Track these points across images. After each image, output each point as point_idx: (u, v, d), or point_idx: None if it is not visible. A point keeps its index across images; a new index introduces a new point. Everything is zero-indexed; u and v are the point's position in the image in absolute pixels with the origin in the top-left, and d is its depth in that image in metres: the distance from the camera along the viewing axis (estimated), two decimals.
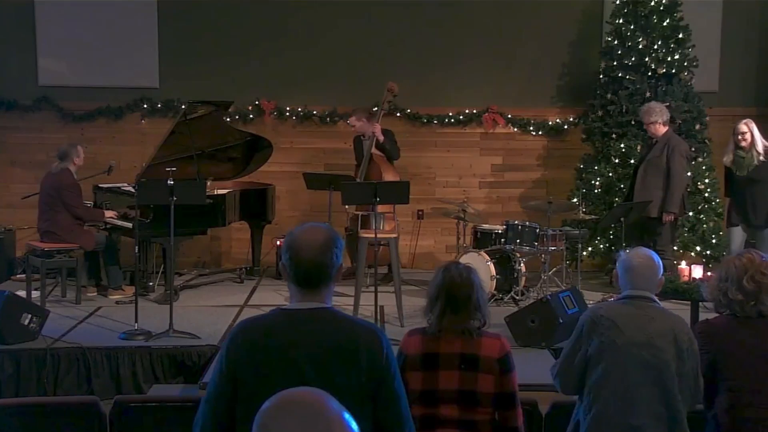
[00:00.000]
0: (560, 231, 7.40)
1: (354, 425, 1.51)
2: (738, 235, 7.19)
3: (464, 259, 6.88)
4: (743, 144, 6.75)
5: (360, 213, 7.36)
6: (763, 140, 6.79)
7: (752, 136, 6.72)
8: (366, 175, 7.70)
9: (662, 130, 7.24)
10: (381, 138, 7.76)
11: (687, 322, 3.52)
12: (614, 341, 3.28)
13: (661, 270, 3.45)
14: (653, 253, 3.48)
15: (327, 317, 2.40)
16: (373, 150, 7.79)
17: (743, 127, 6.76)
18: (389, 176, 7.66)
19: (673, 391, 3.25)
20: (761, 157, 6.72)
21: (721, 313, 3.47)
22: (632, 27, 8.22)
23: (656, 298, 3.41)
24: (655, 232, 7.29)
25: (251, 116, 8.98)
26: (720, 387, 3.34)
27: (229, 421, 2.33)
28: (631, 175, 7.53)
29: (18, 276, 7.97)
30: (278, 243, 8.44)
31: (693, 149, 8.24)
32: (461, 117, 9.02)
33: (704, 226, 8.13)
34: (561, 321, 5.81)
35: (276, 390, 1.71)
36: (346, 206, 7.40)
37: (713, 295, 3.43)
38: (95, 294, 7.34)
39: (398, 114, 8.98)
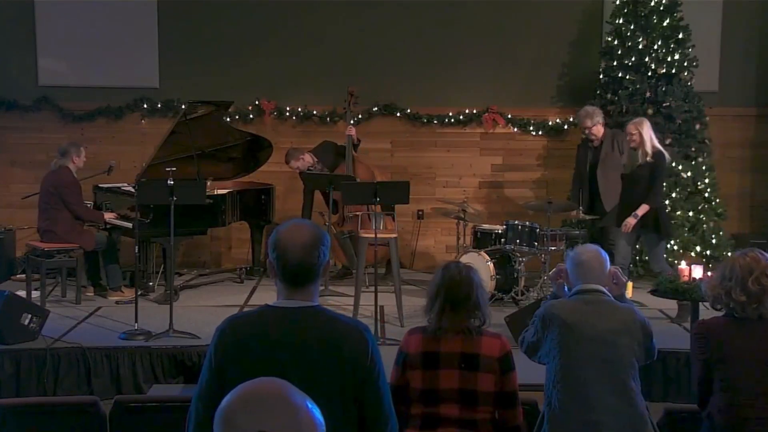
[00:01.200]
0: (560, 231, 7.40)
1: (318, 413, 1.49)
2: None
3: (464, 259, 6.88)
4: (633, 145, 6.70)
5: (356, 213, 7.39)
6: (656, 143, 6.66)
7: (641, 136, 6.63)
8: (355, 176, 7.73)
9: (602, 129, 7.39)
10: (356, 139, 7.93)
11: (688, 318, 3.54)
12: (567, 338, 3.33)
13: (609, 263, 3.53)
14: (599, 247, 3.57)
15: (312, 315, 2.40)
16: (353, 152, 7.91)
17: (631, 128, 6.69)
18: (378, 174, 7.76)
19: (629, 384, 3.29)
20: (648, 158, 6.62)
21: (717, 311, 3.46)
22: (632, 27, 8.23)
23: (607, 291, 3.45)
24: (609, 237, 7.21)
25: (251, 116, 8.98)
26: (715, 387, 3.34)
27: None
28: (585, 181, 7.50)
29: (18, 276, 7.97)
30: None
31: (693, 149, 8.27)
32: (461, 117, 9.02)
33: (704, 226, 8.13)
34: None
35: None
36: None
37: (714, 292, 3.42)
38: (93, 294, 7.33)
39: (398, 114, 8.98)
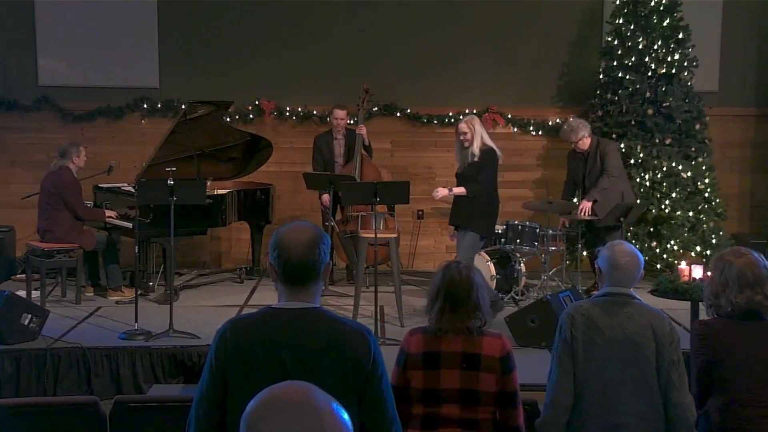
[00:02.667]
0: (560, 231, 7.40)
1: (344, 414, 1.48)
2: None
3: None
4: (466, 144, 6.48)
5: (359, 213, 7.39)
6: (486, 141, 6.49)
7: (472, 135, 6.44)
8: (362, 175, 7.73)
9: (588, 141, 7.36)
10: (367, 140, 7.89)
11: (688, 318, 3.49)
12: (594, 340, 3.27)
13: (643, 264, 3.44)
14: (635, 249, 3.47)
15: (314, 317, 2.39)
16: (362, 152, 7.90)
17: (463, 127, 6.47)
18: (385, 175, 7.76)
19: (655, 388, 3.25)
20: (476, 158, 6.46)
21: (719, 315, 3.42)
22: (632, 27, 8.23)
23: (635, 293, 3.41)
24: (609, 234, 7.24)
25: (251, 116, 8.98)
26: (715, 387, 3.33)
27: (222, 420, 2.34)
28: (578, 190, 7.54)
29: (18, 276, 7.97)
30: None
31: (693, 149, 8.27)
32: (461, 117, 9.00)
33: (704, 226, 8.14)
34: None
35: (262, 389, 1.69)
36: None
37: (739, 299, 3.31)
38: (93, 294, 7.34)
39: (398, 114, 8.98)
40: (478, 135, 6.45)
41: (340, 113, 7.96)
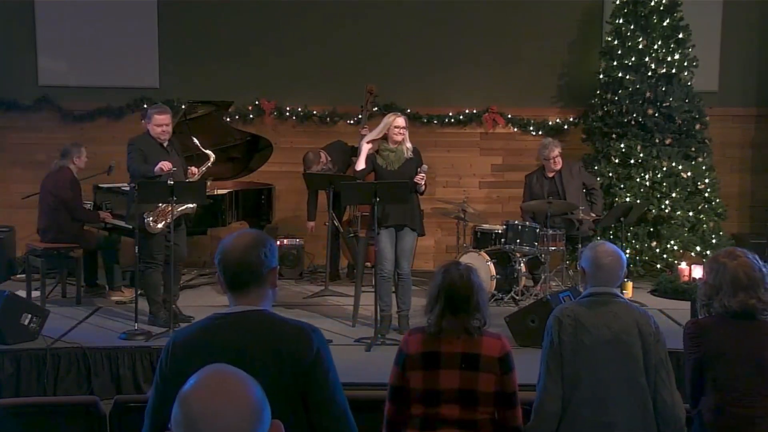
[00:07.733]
0: (560, 231, 7.40)
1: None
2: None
3: (464, 259, 6.88)
4: (400, 138, 6.20)
5: (361, 213, 7.39)
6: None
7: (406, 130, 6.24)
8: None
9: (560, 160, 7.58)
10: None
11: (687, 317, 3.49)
12: (582, 340, 3.27)
13: (626, 263, 3.46)
14: (617, 248, 3.47)
15: (256, 319, 2.38)
16: None
17: (402, 121, 6.20)
18: None
19: (644, 386, 3.26)
20: (411, 154, 6.27)
21: (711, 315, 3.42)
22: (632, 27, 8.24)
23: (619, 292, 3.42)
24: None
25: (251, 116, 8.98)
26: (707, 386, 3.33)
27: None
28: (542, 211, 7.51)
29: (18, 276, 7.97)
30: (278, 243, 8.46)
31: (693, 149, 8.28)
32: (461, 117, 9.03)
33: (704, 226, 8.14)
34: None
35: None
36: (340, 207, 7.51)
37: (728, 303, 3.31)
38: (89, 295, 7.32)
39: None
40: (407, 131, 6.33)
41: (315, 170, 7.76)
